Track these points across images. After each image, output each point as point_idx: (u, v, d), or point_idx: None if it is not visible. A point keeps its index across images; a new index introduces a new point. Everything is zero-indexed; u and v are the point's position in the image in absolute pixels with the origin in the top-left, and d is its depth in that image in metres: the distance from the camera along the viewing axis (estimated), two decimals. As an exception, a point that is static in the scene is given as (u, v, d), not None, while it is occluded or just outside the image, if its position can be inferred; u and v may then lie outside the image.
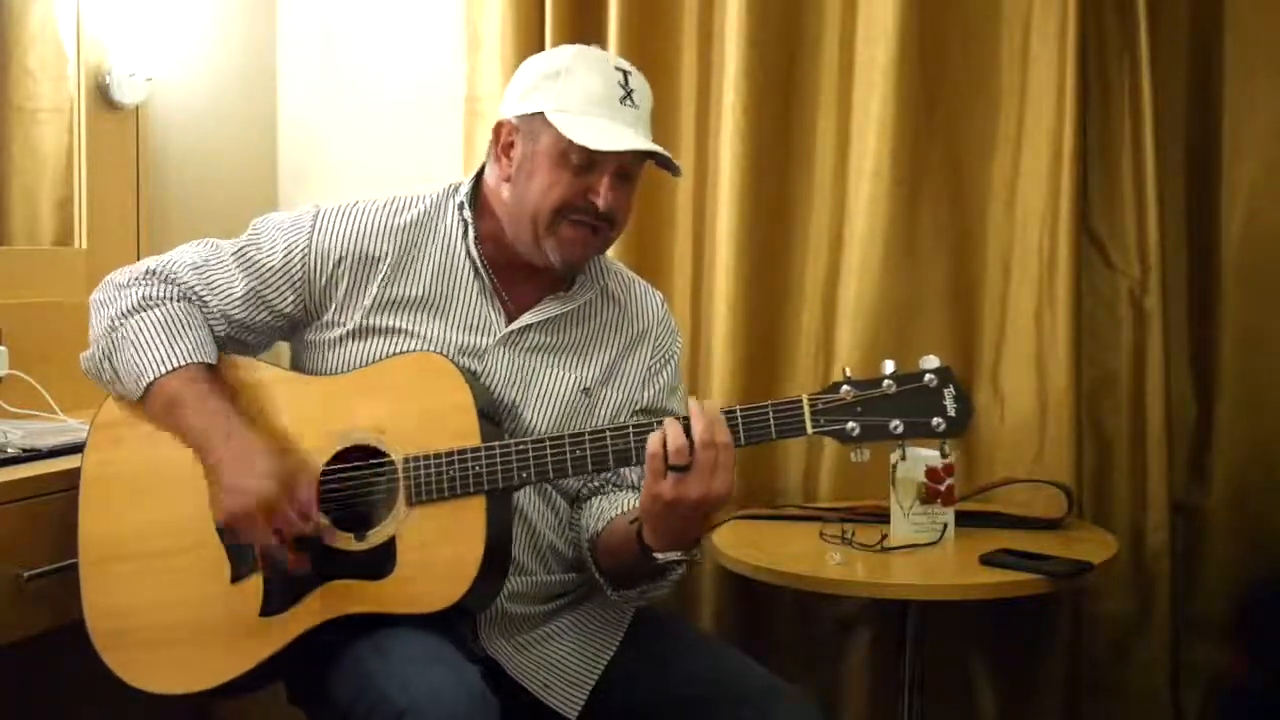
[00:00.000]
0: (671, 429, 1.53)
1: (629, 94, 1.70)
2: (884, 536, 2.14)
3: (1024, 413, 2.42)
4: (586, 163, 1.67)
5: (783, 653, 2.49)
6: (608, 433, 1.60)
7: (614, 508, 1.76)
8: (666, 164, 1.74)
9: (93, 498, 1.70)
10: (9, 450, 1.82)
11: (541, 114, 1.69)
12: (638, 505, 1.62)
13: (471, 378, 1.66)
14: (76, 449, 1.84)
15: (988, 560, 2.02)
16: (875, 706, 2.49)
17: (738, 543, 2.17)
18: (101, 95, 2.39)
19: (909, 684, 2.16)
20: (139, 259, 2.40)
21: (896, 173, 2.40)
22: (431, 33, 2.77)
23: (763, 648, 2.45)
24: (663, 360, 1.88)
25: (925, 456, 2.13)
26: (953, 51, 2.45)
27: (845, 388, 1.57)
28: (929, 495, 2.14)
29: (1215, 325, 2.43)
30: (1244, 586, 2.41)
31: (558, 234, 1.70)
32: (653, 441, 1.54)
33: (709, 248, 2.51)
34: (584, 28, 2.51)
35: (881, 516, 2.19)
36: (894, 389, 1.56)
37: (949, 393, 1.56)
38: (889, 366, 1.58)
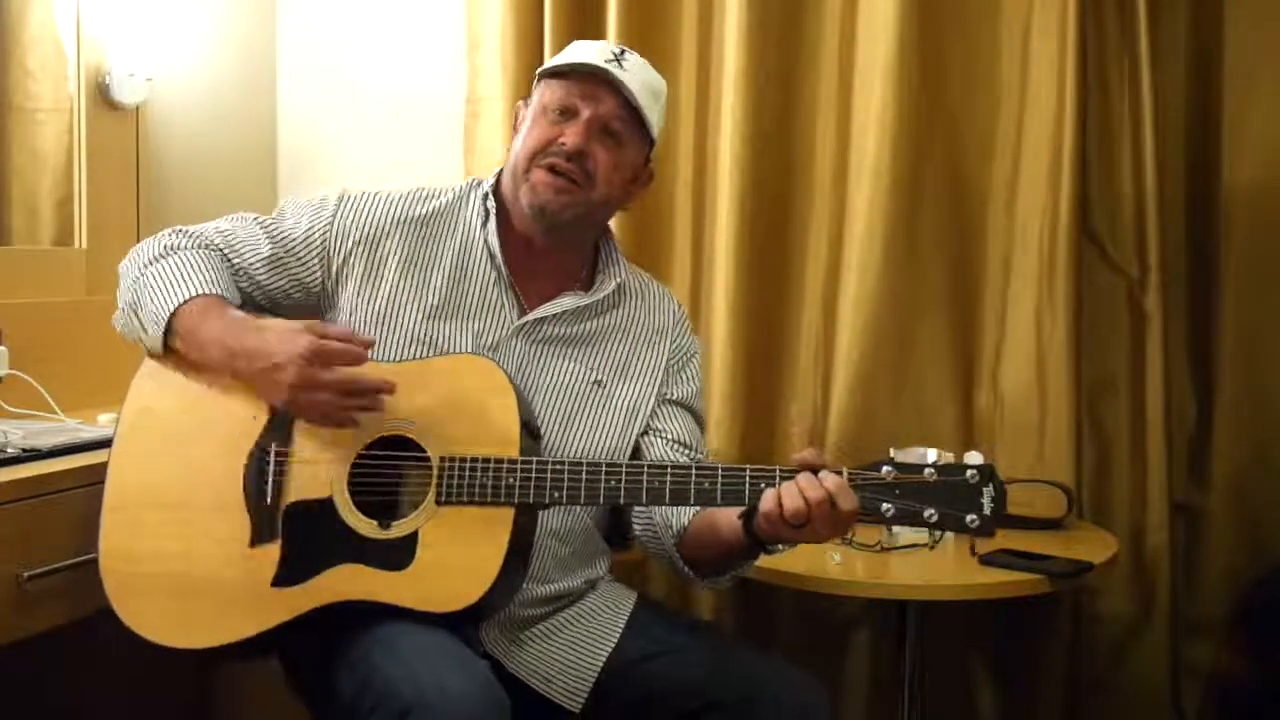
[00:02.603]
0: (788, 495, 1.53)
1: (619, 60, 1.77)
2: (884, 536, 2.14)
3: (1024, 413, 2.42)
4: (565, 111, 1.75)
5: (783, 653, 2.48)
6: (645, 469, 1.60)
7: None
8: (636, 114, 1.77)
9: (128, 443, 1.70)
10: (9, 450, 1.82)
11: (538, 78, 1.79)
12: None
13: (519, 389, 1.66)
14: (76, 449, 1.84)
15: (988, 560, 2.02)
16: (875, 706, 2.49)
17: (738, 543, 2.17)
18: (101, 95, 2.39)
19: (909, 684, 2.16)
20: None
21: (896, 173, 2.40)
22: (431, 33, 2.77)
23: (763, 648, 2.45)
24: (684, 358, 1.90)
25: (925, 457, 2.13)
26: (953, 51, 2.45)
27: (886, 468, 1.57)
28: (929, 495, 2.13)
29: (1215, 325, 2.43)
30: (1244, 586, 2.41)
31: (531, 178, 1.76)
32: (767, 500, 1.54)
33: (709, 247, 2.51)
34: (584, 28, 2.51)
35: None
36: (935, 478, 1.55)
37: (988, 492, 1.55)
38: (931, 455, 1.61)
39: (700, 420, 1.91)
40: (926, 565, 2.10)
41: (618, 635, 1.77)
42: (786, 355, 2.53)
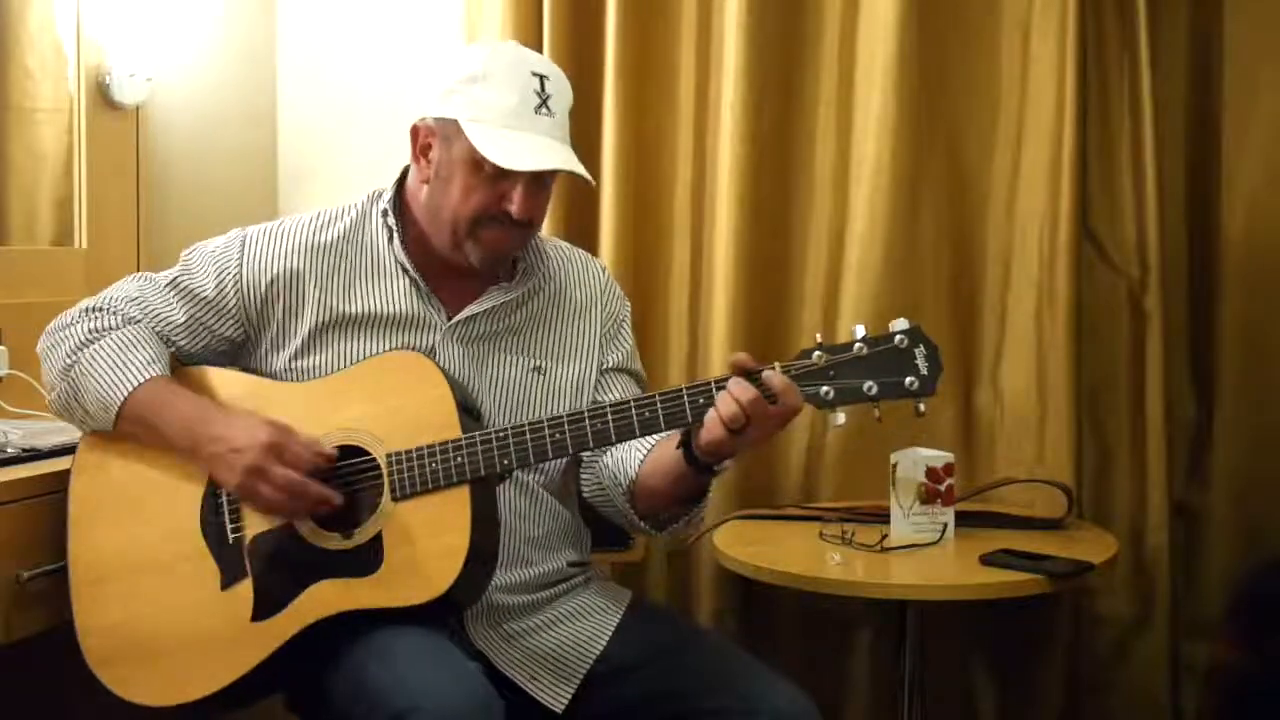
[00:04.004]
0: (722, 403, 1.55)
1: (544, 102, 1.71)
2: (884, 536, 2.14)
3: (1024, 413, 2.42)
4: (501, 171, 1.69)
5: (782, 653, 2.48)
6: (586, 414, 1.61)
7: (638, 453, 1.76)
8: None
9: (81, 518, 1.71)
10: (9, 450, 1.82)
11: (456, 121, 1.70)
12: (666, 436, 1.67)
13: (450, 374, 1.67)
14: (76, 449, 1.84)
15: (988, 560, 2.02)
16: (875, 706, 2.49)
17: (738, 543, 2.17)
18: (101, 95, 2.38)
19: (909, 684, 2.16)
20: (139, 259, 2.42)
21: (896, 173, 2.40)
22: (430, 33, 2.77)
23: (763, 648, 2.44)
24: (616, 324, 1.90)
25: (925, 456, 2.13)
26: (953, 51, 2.45)
27: (817, 353, 1.58)
28: (929, 495, 2.14)
29: (1215, 325, 2.43)
30: (1241, 576, 2.41)
31: (478, 237, 1.73)
32: (711, 417, 1.56)
33: (709, 247, 2.51)
34: (582, 27, 2.51)
35: (881, 516, 2.19)
36: (865, 351, 1.57)
37: (920, 352, 1.57)
38: (860, 331, 1.59)
39: (639, 378, 1.91)
40: (926, 565, 2.10)
41: (607, 638, 1.77)
42: (786, 355, 2.52)
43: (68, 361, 1.72)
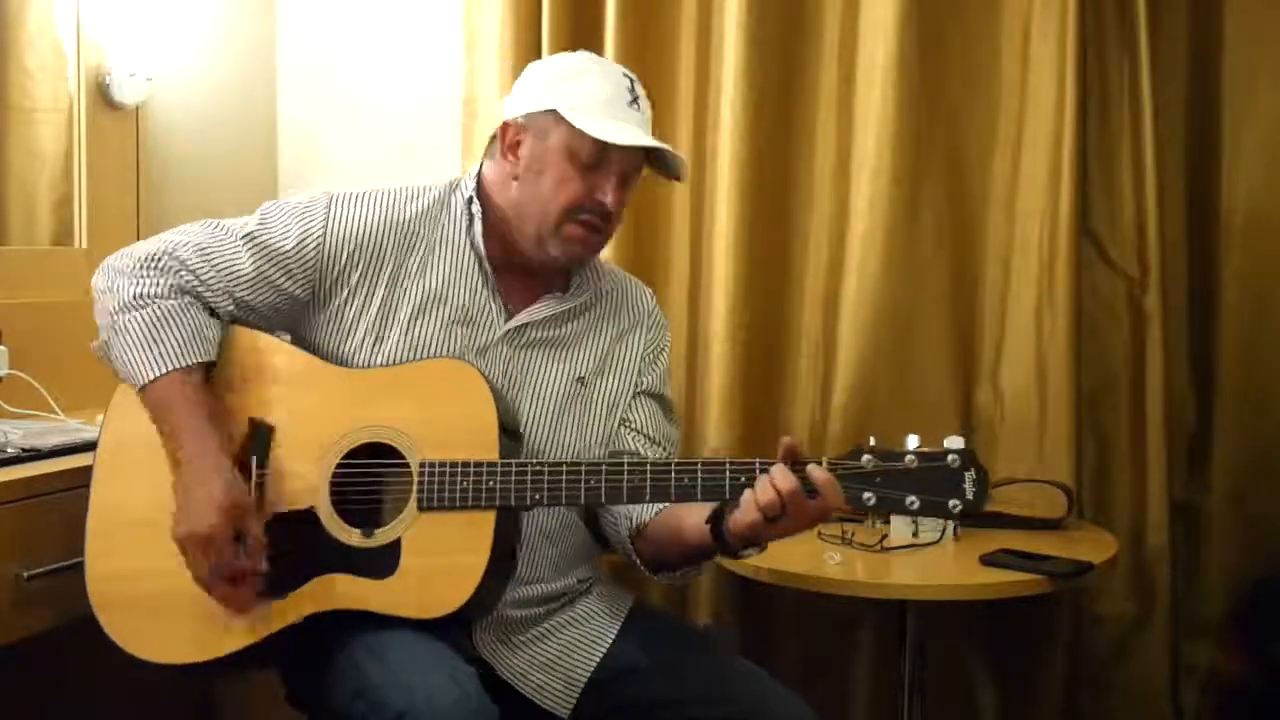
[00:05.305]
0: (761, 489, 1.54)
1: (635, 99, 1.76)
2: (884, 536, 2.14)
3: (1024, 413, 2.42)
4: (595, 162, 1.71)
5: (782, 653, 2.49)
6: (625, 468, 1.60)
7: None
8: (669, 170, 1.80)
9: (107, 463, 1.69)
10: (9, 450, 1.82)
11: (553, 111, 1.72)
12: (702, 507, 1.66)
13: (498, 391, 1.66)
14: (76, 449, 1.84)
15: (988, 560, 2.02)
16: (875, 706, 2.49)
17: (738, 543, 2.17)
18: (101, 95, 2.38)
19: (909, 684, 2.16)
20: (139, 259, 2.40)
21: (896, 173, 2.40)
22: (430, 33, 2.77)
23: (763, 648, 2.45)
24: (656, 350, 1.91)
25: (925, 456, 2.13)
26: (953, 51, 2.45)
27: (866, 457, 1.55)
28: (929, 495, 2.14)
29: (1215, 325, 2.43)
30: (1243, 586, 2.42)
31: (563, 233, 1.74)
32: (744, 499, 1.55)
33: (708, 247, 2.51)
34: (582, 27, 2.51)
35: (882, 516, 2.19)
36: (915, 464, 1.54)
37: (969, 476, 1.54)
38: (912, 442, 1.58)
39: (666, 403, 1.91)
40: (926, 565, 2.10)
41: (609, 642, 1.77)
42: (786, 356, 2.53)
43: (110, 319, 1.70)
